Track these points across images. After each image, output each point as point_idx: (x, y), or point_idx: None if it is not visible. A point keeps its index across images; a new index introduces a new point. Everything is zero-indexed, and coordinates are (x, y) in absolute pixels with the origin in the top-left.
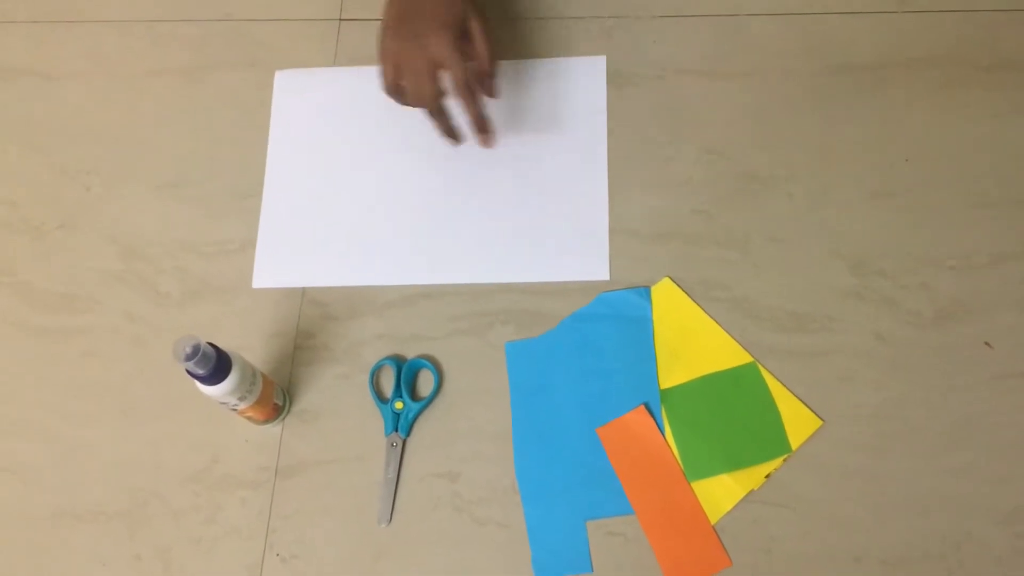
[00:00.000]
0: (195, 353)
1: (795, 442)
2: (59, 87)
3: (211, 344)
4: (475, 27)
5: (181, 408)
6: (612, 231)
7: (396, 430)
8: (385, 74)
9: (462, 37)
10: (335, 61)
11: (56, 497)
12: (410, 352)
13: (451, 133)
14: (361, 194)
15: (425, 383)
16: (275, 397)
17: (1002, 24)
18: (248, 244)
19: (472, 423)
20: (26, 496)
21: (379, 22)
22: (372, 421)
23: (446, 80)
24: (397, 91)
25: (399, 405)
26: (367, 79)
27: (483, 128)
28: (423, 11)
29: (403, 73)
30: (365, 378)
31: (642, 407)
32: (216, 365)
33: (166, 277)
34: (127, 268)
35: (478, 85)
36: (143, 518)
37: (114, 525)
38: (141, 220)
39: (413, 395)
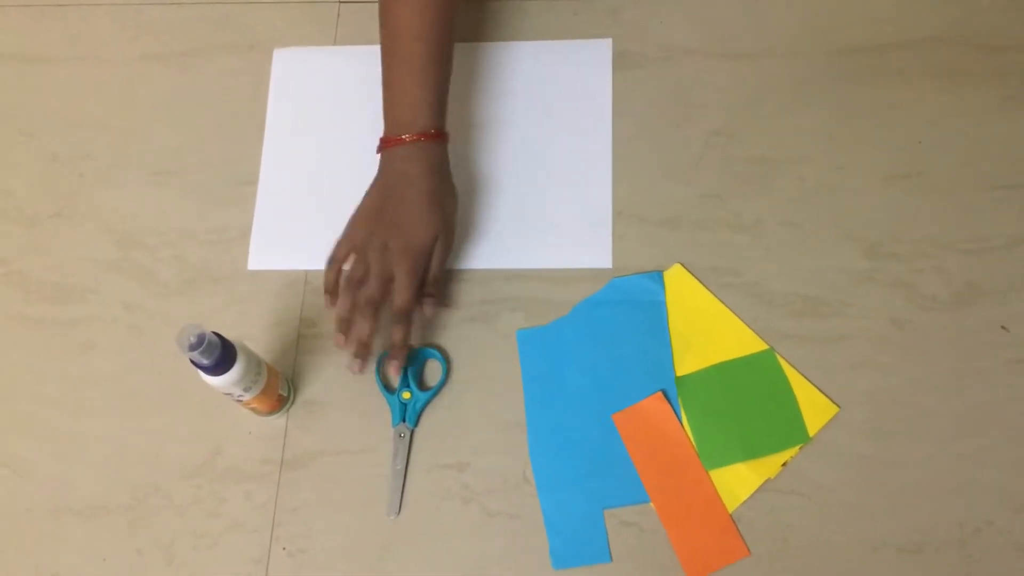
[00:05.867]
0: (200, 342)
1: (812, 429)
2: (50, 72)
3: (216, 333)
4: (437, 250)
5: (182, 400)
6: (619, 216)
7: (404, 420)
8: (339, 250)
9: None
10: (335, 43)
11: (54, 492)
12: (416, 341)
13: (348, 335)
14: (361, 178)
15: (432, 373)
16: (280, 388)
17: (1014, 5)
18: (247, 232)
19: (480, 413)
20: (23, 492)
21: (358, 205)
22: (378, 412)
23: (394, 297)
24: (337, 265)
25: (406, 395)
26: (369, 59)
27: (395, 356)
28: (400, 219)
29: (358, 264)
30: (371, 368)
31: (659, 393)
32: (221, 355)
33: (164, 266)
34: (124, 257)
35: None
36: (144, 512)
37: (114, 520)
38: (137, 208)
39: (420, 385)
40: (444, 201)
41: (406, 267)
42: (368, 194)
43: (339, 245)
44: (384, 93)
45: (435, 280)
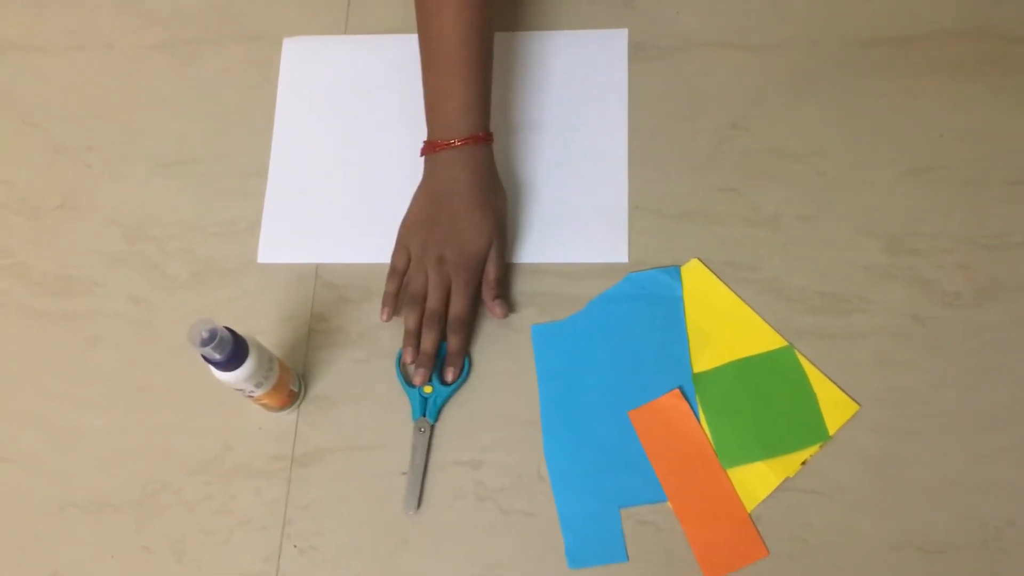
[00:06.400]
0: (212, 338)
1: (832, 428)
2: (55, 61)
3: (228, 328)
4: (493, 254)
5: (191, 395)
6: (635, 210)
7: (424, 415)
8: (397, 261)
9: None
10: (345, 33)
11: (61, 488)
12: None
13: (416, 350)
14: (373, 169)
15: None
16: (291, 383)
17: None
18: (257, 224)
19: (494, 409)
20: (30, 487)
21: (407, 211)
22: (391, 407)
23: (451, 306)
24: (399, 277)
25: (428, 389)
26: (381, 49)
27: (451, 363)
28: (454, 229)
29: (417, 278)
30: (383, 363)
31: (676, 391)
32: (233, 350)
33: (172, 259)
34: (130, 249)
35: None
36: (153, 509)
37: (122, 516)
38: (144, 199)
39: (442, 379)
40: (495, 205)
41: (464, 278)
42: (417, 201)
43: (396, 255)
44: (427, 97)
45: (499, 281)
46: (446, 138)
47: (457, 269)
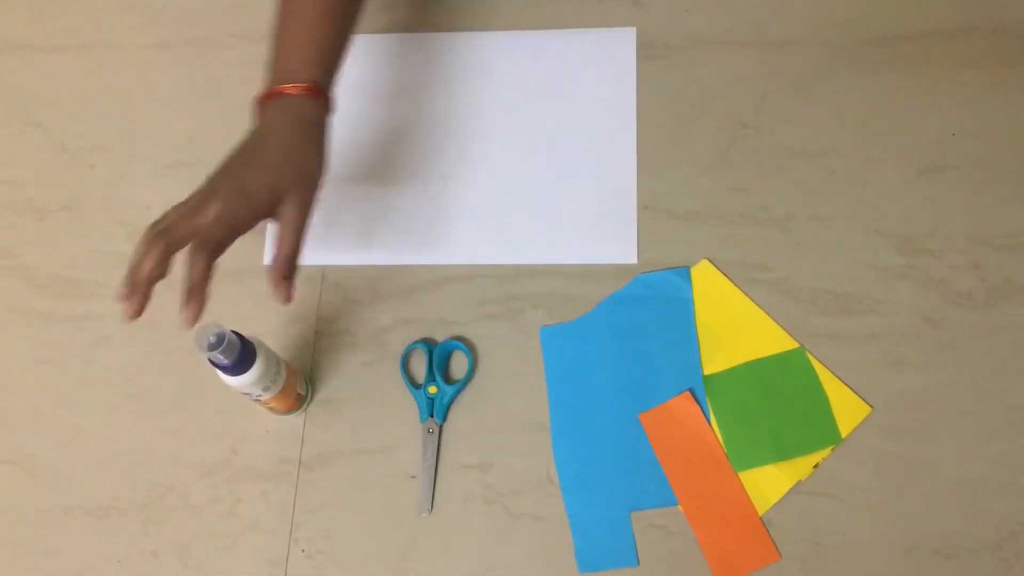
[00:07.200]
0: (219, 342)
1: (844, 430)
2: (58, 61)
3: (235, 332)
4: (287, 216)
5: (196, 397)
6: (645, 211)
7: (432, 415)
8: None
9: (271, 213)
10: None
11: (66, 491)
12: (438, 337)
13: (141, 274)
14: (382, 168)
15: (458, 367)
16: (298, 386)
17: None
18: (262, 226)
19: (503, 412)
20: (34, 491)
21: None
22: (399, 410)
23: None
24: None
25: (433, 389)
26: (385, 48)
27: (189, 300)
28: (246, 163)
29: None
30: (391, 366)
31: (687, 393)
32: (240, 354)
33: (177, 259)
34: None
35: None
36: (159, 513)
37: (128, 520)
38: (150, 200)
39: (447, 378)
40: (306, 162)
41: (228, 204)
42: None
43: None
44: (269, 51)
45: (289, 259)
46: (274, 86)
47: (224, 197)
